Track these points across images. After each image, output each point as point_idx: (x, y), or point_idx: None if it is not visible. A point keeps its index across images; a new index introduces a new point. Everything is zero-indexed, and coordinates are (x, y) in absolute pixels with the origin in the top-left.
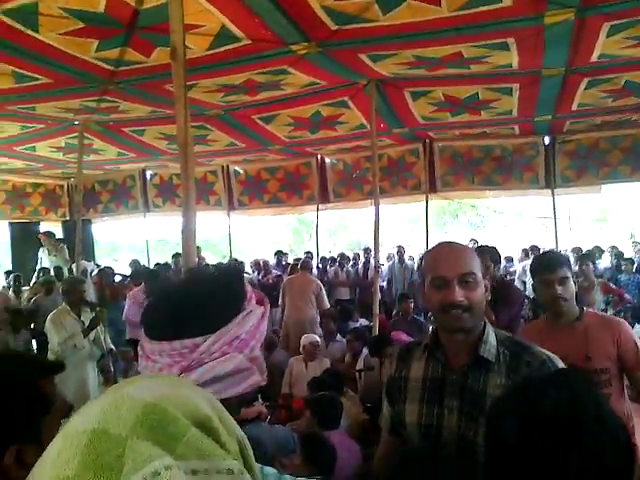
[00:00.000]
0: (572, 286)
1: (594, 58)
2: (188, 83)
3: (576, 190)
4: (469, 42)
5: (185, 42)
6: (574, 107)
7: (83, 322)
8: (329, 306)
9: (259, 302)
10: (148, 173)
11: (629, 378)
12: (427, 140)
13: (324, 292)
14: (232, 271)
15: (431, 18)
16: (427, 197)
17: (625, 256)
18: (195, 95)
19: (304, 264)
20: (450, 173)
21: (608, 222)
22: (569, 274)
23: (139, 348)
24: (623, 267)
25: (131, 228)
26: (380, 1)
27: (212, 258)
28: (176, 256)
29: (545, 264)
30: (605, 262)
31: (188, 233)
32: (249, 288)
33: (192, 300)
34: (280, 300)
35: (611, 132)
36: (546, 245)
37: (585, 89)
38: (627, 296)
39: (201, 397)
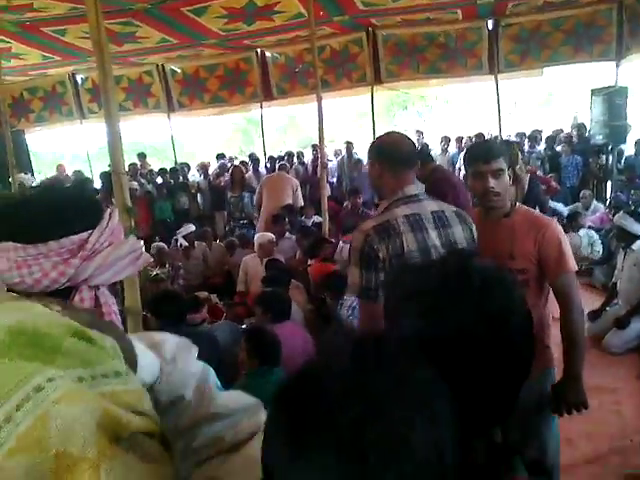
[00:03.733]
0: (506, 179)
1: None
2: None
3: (519, 74)
4: None
5: None
6: None
7: None
8: (302, 204)
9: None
10: (79, 77)
11: (550, 284)
12: (370, 28)
13: (300, 191)
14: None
15: None
16: (372, 89)
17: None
18: None
19: (282, 166)
20: (395, 62)
21: (552, 106)
22: (504, 166)
23: None
24: (561, 148)
25: (70, 137)
26: None
27: (157, 165)
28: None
29: (478, 154)
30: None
31: (113, 140)
32: None
33: (68, 202)
34: (256, 198)
35: (553, 14)
36: (493, 131)
37: None
38: (554, 184)
39: (56, 315)
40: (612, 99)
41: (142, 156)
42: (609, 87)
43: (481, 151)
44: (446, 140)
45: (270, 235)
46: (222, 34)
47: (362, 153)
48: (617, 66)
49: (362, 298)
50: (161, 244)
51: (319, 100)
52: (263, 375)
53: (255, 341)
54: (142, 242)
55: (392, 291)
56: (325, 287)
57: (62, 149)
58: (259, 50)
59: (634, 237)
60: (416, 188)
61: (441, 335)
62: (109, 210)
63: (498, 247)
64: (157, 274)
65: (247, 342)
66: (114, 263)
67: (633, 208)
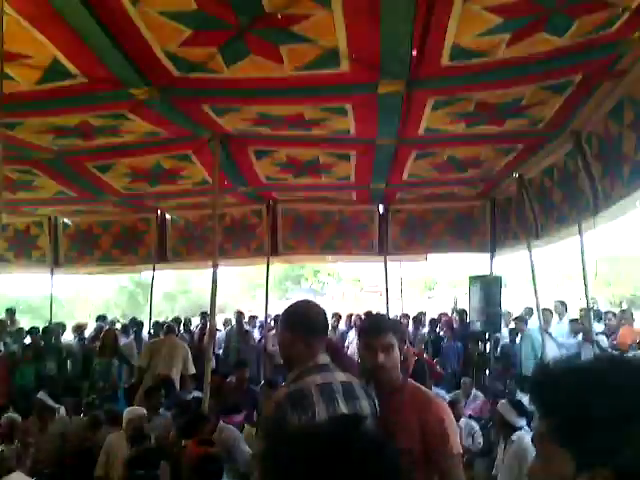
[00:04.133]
0: (396, 354)
1: (421, 131)
2: (11, 120)
3: (405, 258)
4: (310, 104)
5: (6, 72)
6: (405, 177)
7: None
8: (194, 371)
9: None
10: None
11: (433, 466)
12: (271, 201)
13: (190, 357)
14: None
15: (273, 75)
16: (269, 260)
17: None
18: (21, 135)
19: (170, 327)
20: (292, 236)
21: (435, 290)
22: (394, 341)
23: None
24: (442, 333)
25: None
26: (224, 52)
27: (30, 324)
28: None
29: (370, 327)
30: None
31: None
32: None
33: None
34: (139, 364)
35: (437, 204)
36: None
37: (414, 160)
38: (438, 368)
39: None
40: (488, 287)
41: (10, 312)
42: (485, 276)
43: (372, 324)
44: (337, 317)
45: (142, 410)
46: (124, 192)
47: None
48: (491, 258)
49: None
50: (14, 415)
51: (215, 267)
52: None
53: None
54: None
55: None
56: (197, 473)
57: None
58: (159, 211)
59: (513, 428)
60: (326, 358)
61: None
62: None
63: (384, 422)
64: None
65: None
66: None
67: (513, 398)
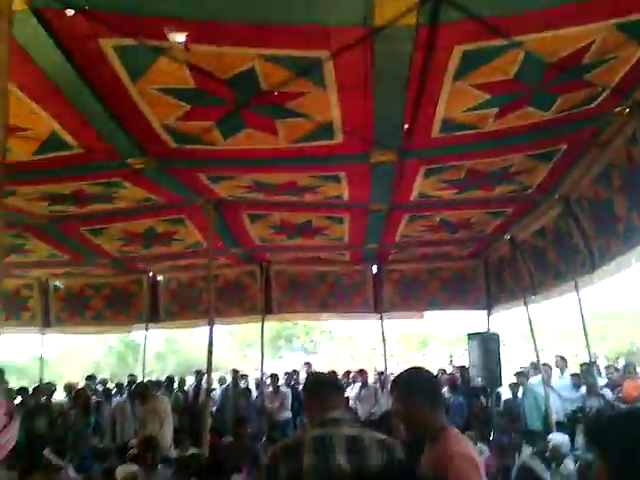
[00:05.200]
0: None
1: (413, 196)
2: (6, 189)
3: (401, 315)
4: (304, 173)
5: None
6: (398, 238)
7: None
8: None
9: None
10: None
11: None
12: (264, 263)
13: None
14: None
15: (269, 147)
16: (263, 318)
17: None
18: (15, 202)
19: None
20: (286, 296)
21: (430, 347)
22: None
23: None
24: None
25: None
26: (221, 126)
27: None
28: None
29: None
30: None
31: None
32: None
33: None
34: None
35: (430, 264)
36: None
37: (407, 223)
38: None
39: None
40: (486, 344)
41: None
42: (483, 333)
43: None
44: (333, 374)
45: (134, 468)
46: (116, 255)
47: (251, 381)
48: (488, 315)
49: None
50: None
51: (211, 326)
52: None
53: None
54: None
55: None
56: None
57: None
58: (151, 273)
59: None
60: (339, 414)
61: None
62: None
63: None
64: None
65: None
66: None
67: (535, 450)
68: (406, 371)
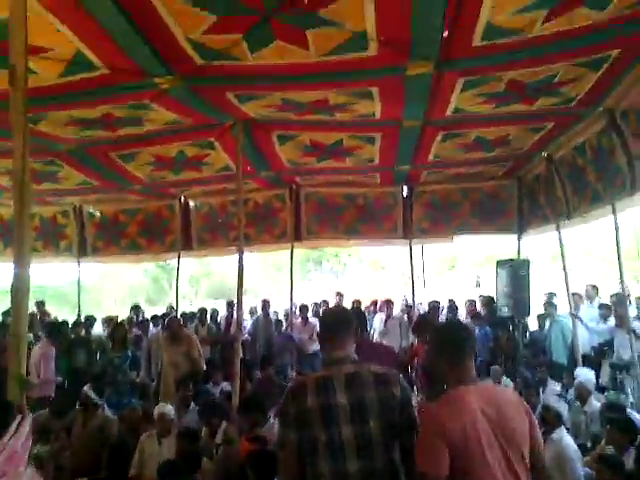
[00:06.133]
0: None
1: (449, 112)
2: (35, 114)
3: (430, 240)
4: (335, 88)
5: (29, 66)
6: (430, 158)
7: None
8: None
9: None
10: None
11: None
12: (294, 186)
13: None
14: None
15: (299, 61)
16: (292, 246)
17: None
18: (45, 128)
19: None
20: (315, 221)
21: (457, 271)
22: None
23: None
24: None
25: None
26: (248, 39)
27: (59, 312)
28: (5, 314)
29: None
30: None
31: (21, 287)
32: None
33: None
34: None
35: (462, 184)
36: (405, 295)
37: (440, 141)
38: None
39: None
40: (516, 271)
41: (41, 304)
42: (512, 260)
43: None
44: (358, 303)
45: (167, 407)
46: (147, 181)
47: (280, 311)
48: (519, 239)
49: (279, 450)
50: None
51: (241, 254)
52: None
53: None
54: None
55: None
56: (253, 470)
57: None
58: (182, 198)
59: (560, 422)
60: (344, 352)
61: None
62: (18, 419)
63: None
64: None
65: None
66: None
67: (561, 386)
68: (438, 326)
